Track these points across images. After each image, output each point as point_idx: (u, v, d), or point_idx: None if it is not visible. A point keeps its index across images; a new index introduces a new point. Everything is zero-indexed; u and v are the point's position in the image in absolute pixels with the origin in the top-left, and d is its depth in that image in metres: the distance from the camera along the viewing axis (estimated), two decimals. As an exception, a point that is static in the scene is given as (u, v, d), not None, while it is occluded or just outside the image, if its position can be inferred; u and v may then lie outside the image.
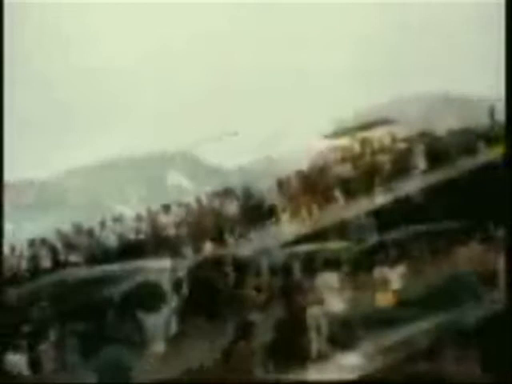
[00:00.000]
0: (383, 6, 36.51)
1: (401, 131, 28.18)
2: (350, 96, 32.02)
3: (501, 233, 19.15)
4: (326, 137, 29.78)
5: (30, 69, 33.58)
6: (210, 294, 14.34)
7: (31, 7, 32.60)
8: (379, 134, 28.81)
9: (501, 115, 28.53)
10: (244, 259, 16.96)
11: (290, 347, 14.63)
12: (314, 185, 24.22)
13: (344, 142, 29.80)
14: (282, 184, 23.73)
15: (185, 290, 14.54)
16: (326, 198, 24.66)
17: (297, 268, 16.14)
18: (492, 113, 28.83)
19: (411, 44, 36.37)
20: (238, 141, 35.48)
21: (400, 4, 36.13)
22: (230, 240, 21.32)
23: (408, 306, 18.40)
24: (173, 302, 13.97)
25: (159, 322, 13.53)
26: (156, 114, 37.73)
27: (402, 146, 27.96)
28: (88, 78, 36.15)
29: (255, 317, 14.41)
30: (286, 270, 16.51)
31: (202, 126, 35.59)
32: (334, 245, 20.45)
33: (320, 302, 15.38)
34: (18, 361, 10.40)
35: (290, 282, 15.77)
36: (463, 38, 34.98)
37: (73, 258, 19.45)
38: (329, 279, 15.73)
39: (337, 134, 29.74)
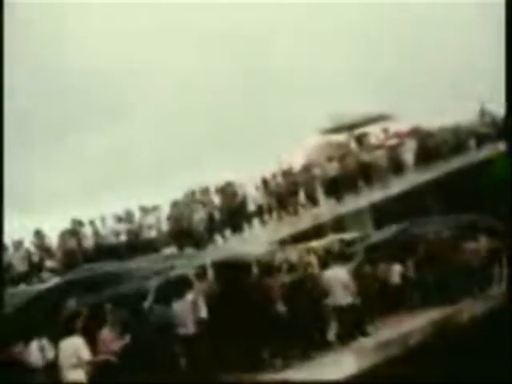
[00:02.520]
0: (384, 5, 36.60)
1: (396, 127, 28.43)
2: (349, 94, 32.16)
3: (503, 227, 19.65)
4: (323, 133, 29.92)
5: (30, 69, 33.20)
6: (236, 287, 14.66)
7: (32, 7, 32.23)
8: (374, 131, 29.15)
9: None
10: (261, 255, 17.24)
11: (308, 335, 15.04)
12: (299, 183, 24.19)
13: (340, 138, 30.04)
14: (266, 183, 23.63)
15: (210, 277, 14.94)
16: (312, 197, 24.60)
17: (313, 263, 16.41)
18: (482, 111, 29.33)
19: (411, 43, 36.57)
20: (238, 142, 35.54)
21: (400, 4, 36.27)
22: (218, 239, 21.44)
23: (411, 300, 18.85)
24: (198, 288, 14.38)
25: (186, 306, 13.92)
26: (159, 116, 37.28)
27: (393, 142, 28.17)
28: (90, 78, 35.75)
29: (281, 308, 14.78)
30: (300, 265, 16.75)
31: (204, 127, 35.54)
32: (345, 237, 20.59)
33: (329, 294, 15.73)
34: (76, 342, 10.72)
35: (303, 277, 16.06)
36: (464, 38, 35.22)
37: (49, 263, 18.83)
38: (338, 273, 16.00)
39: (333, 130, 29.87)
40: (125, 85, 38.21)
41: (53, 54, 37.10)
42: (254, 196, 22.78)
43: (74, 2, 36.83)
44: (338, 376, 13.81)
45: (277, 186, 23.45)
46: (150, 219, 20.21)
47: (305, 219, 23.86)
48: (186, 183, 22.88)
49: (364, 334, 16.46)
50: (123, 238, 19.65)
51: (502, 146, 25.36)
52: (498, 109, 26.90)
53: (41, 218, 21.90)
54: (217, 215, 21.20)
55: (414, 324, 17.29)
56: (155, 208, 20.59)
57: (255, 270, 15.95)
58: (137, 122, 38.09)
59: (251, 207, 22.67)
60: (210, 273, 15.43)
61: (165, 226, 20.43)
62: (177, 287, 14.37)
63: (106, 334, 12.83)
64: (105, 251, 19.25)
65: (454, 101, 29.37)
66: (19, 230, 19.32)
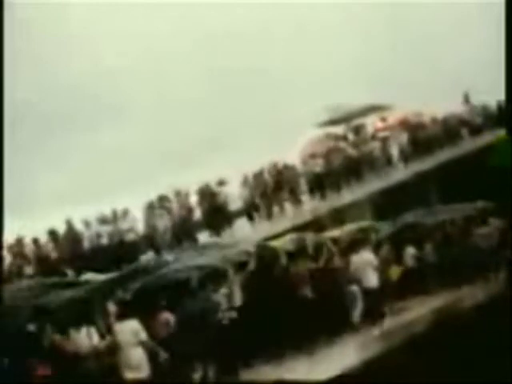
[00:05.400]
0: (382, 4, 36.99)
1: (391, 118, 28.66)
2: (346, 87, 32.35)
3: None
4: (320, 125, 29.94)
5: (30, 69, 32.78)
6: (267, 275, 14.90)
7: (32, 7, 31.83)
8: (371, 121, 29.35)
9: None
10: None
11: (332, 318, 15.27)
12: (287, 180, 24.29)
13: (337, 130, 30.11)
14: (256, 179, 23.29)
15: (250, 268, 15.19)
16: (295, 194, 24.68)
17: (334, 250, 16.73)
18: (467, 99, 29.75)
19: (411, 41, 36.91)
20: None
21: (399, 3, 36.71)
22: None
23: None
24: (233, 280, 14.76)
25: (222, 295, 14.34)
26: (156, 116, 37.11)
27: (386, 133, 28.48)
28: (91, 78, 35.37)
29: (307, 292, 15.03)
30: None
31: (202, 124, 35.47)
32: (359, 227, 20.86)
33: (357, 278, 16.00)
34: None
35: (330, 263, 16.31)
36: (463, 36, 35.76)
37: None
38: (366, 256, 16.27)
39: (330, 123, 29.89)
40: (126, 85, 37.96)
41: (53, 54, 36.86)
42: (240, 193, 22.82)
43: (75, 2, 36.67)
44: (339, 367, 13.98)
45: (269, 182, 23.54)
46: (127, 223, 20.08)
47: (300, 214, 24.00)
48: (185, 180, 22.77)
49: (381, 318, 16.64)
50: (105, 240, 19.50)
51: (500, 133, 25.80)
52: (492, 99, 27.67)
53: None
54: (197, 216, 21.18)
55: (418, 312, 17.53)
56: (127, 212, 20.29)
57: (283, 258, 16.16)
58: (138, 121, 37.87)
59: (238, 204, 22.68)
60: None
61: (141, 230, 20.37)
62: (214, 277, 14.61)
63: (163, 316, 13.22)
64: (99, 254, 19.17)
65: (452, 94, 29.79)
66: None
